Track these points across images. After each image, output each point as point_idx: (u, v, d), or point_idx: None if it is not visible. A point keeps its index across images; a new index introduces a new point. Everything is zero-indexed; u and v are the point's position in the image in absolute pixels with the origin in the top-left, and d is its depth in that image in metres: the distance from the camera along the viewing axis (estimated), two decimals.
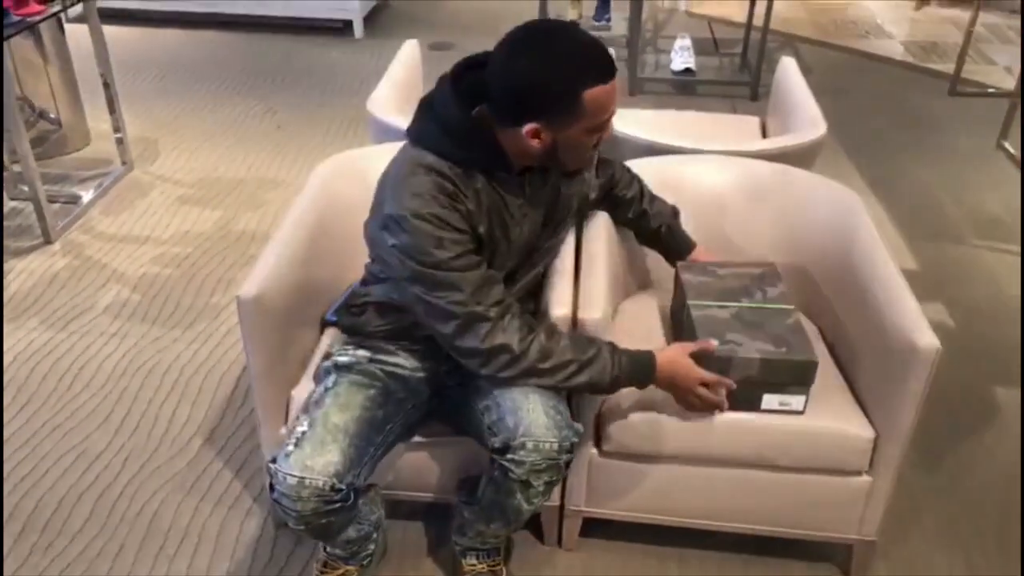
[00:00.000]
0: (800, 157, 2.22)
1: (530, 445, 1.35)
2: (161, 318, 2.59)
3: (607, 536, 1.85)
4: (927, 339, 1.47)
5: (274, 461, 1.38)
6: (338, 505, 1.37)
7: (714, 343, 1.51)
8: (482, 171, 1.36)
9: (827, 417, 1.62)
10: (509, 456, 1.37)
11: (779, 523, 1.72)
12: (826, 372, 1.73)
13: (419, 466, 1.73)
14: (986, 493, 2.01)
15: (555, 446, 1.36)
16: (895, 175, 3.54)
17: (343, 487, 1.36)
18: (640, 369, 1.44)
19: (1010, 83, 4.46)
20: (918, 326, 1.49)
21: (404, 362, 1.54)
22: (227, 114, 4.10)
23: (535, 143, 1.31)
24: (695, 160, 2.03)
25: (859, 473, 1.64)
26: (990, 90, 4.44)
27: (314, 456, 1.35)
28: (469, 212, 1.34)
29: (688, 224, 1.88)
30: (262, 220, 3.17)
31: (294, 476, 1.34)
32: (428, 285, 1.33)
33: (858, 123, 4.08)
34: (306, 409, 1.47)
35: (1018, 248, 3.08)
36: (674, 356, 1.47)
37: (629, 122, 2.18)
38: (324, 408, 1.44)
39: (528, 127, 1.30)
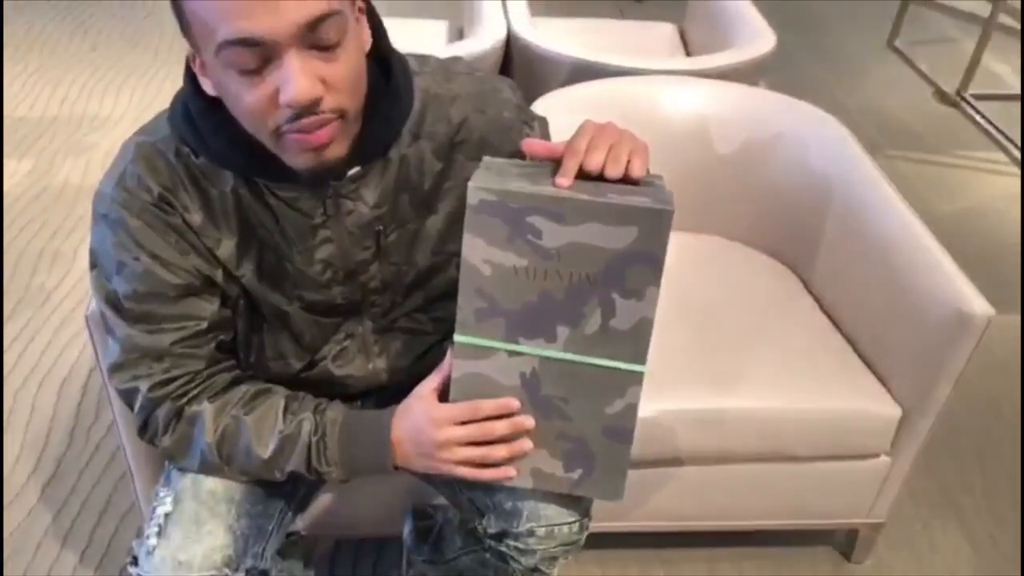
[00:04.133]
0: (749, 74, 1.92)
1: (542, 532, 0.98)
2: None
3: None
4: (978, 306, 1.22)
5: (135, 562, 0.95)
6: None
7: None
8: (240, 173, 0.89)
9: (845, 396, 1.36)
10: (510, 543, 1.00)
11: (779, 515, 1.48)
12: (830, 343, 1.47)
13: (349, 500, 1.35)
14: (972, 444, 1.86)
15: (575, 527, 1.00)
16: (798, 81, 3.33)
17: None
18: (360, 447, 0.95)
19: None
20: (963, 291, 1.24)
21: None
22: (21, 31, 3.33)
23: (207, 84, 0.82)
24: (647, 83, 1.68)
25: (876, 455, 1.41)
26: None
27: (188, 545, 0.92)
28: (194, 226, 0.89)
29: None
30: (88, 170, 2.56)
31: None
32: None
33: None
34: (167, 478, 1.00)
35: (936, 159, 2.96)
36: (407, 405, 0.93)
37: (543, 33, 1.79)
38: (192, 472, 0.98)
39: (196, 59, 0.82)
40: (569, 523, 0.99)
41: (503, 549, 1.01)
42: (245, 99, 0.77)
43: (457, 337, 0.86)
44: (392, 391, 1.10)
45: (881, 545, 1.58)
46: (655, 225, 0.79)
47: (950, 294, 1.25)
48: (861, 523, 1.51)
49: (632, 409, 0.88)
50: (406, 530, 1.35)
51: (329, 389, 1.03)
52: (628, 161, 0.83)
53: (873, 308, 1.43)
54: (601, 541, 1.50)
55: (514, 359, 0.86)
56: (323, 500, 1.33)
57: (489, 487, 1.00)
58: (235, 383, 0.95)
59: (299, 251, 0.93)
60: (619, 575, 1.53)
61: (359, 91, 0.82)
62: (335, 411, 0.94)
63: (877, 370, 1.41)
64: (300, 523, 1.35)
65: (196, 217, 0.89)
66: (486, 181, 0.81)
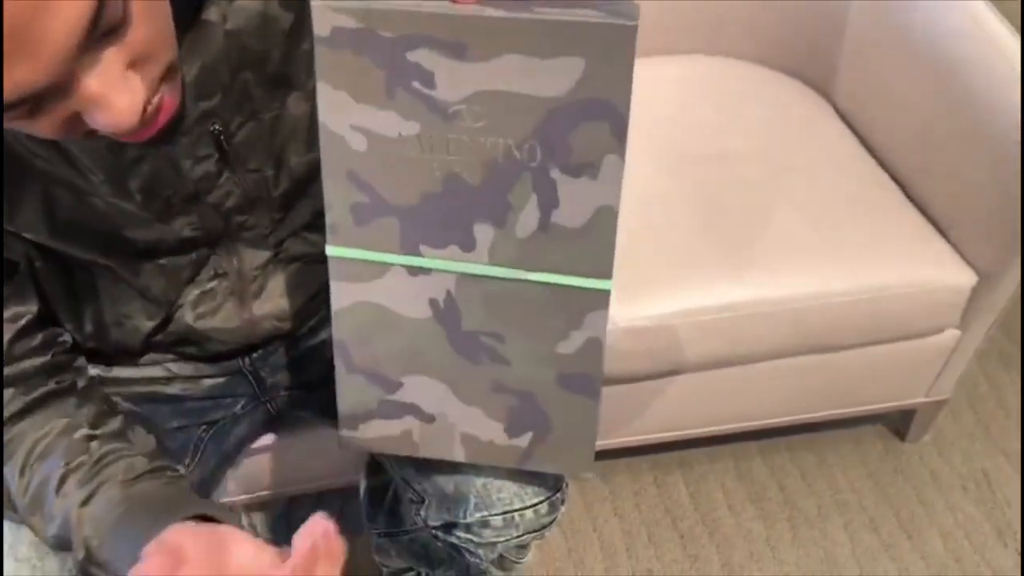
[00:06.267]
0: None
1: (498, 522, 0.72)
2: None
3: None
4: None
5: None
6: None
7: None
8: None
9: (903, 265, 1.05)
10: (461, 535, 0.75)
11: (824, 406, 1.20)
12: (875, 190, 1.13)
13: (289, 456, 1.09)
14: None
15: (543, 509, 0.74)
16: None
17: None
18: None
19: None
20: None
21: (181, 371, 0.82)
22: None
23: None
24: None
25: (942, 330, 1.11)
26: None
27: None
28: None
29: None
30: None
31: None
32: None
33: None
34: None
35: None
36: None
37: None
38: None
39: None
40: (533, 505, 0.73)
41: (454, 542, 0.77)
42: (31, 130, 0.49)
43: (330, 249, 0.58)
44: (286, 350, 0.82)
45: (941, 419, 1.31)
46: (611, 51, 0.49)
47: None
48: (922, 402, 1.23)
49: (595, 346, 0.59)
50: (361, 490, 1.10)
51: (195, 349, 0.77)
52: None
53: (929, 133, 1.07)
54: (600, 455, 1.24)
55: (418, 279, 0.58)
56: (258, 462, 1.07)
57: (422, 463, 0.74)
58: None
59: (102, 181, 0.61)
60: (629, 484, 1.28)
61: (169, 26, 0.51)
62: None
63: (940, 223, 1.08)
64: (233, 486, 1.11)
65: None
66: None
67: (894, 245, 1.06)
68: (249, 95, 0.61)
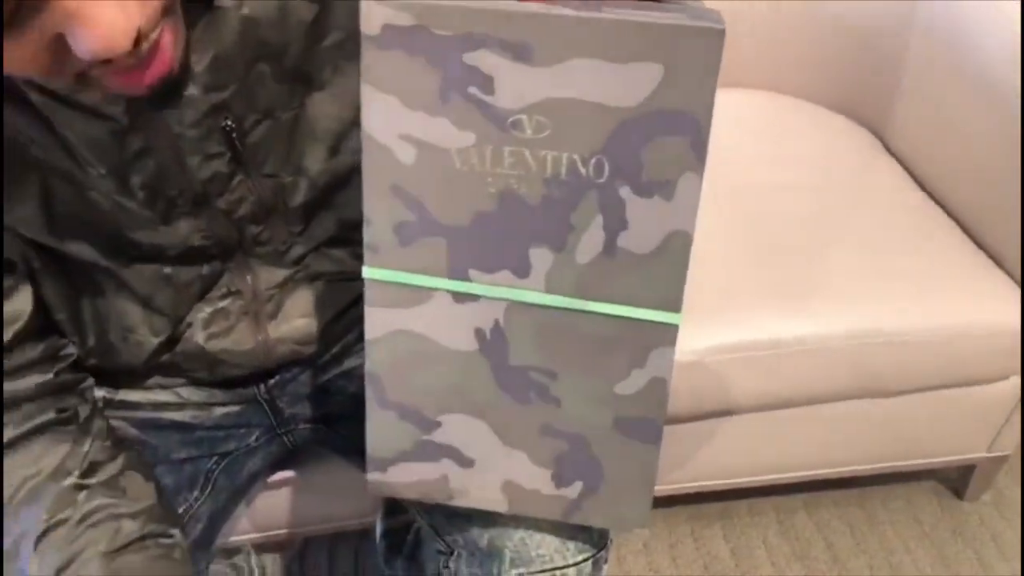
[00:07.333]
0: None
1: None
2: None
3: None
4: None
5: None
6: None
7: None
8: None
9: (962, 304, 0.98)
10: None
11: (877, 458, 1.13)
12: (931, 225, 1.07)
13: (305, 496, 1.03)
14: None
15: (587, 569, 0.66)
16: None
17: None
18: None
19: None
20: None
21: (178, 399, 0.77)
22: None
23: None
24: None
25: (1005, 377, 1.04)
26: None
27: None
28: None
29: None
30: None
31: None
32: None
33: None
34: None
35: None
36: None
37: None
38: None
39: None
40: (576, 564, 0.66)
41: None
42: (12, 59, 0.43)
43: (367, 271, 0.52)
44: (307, 378, 0.77)
45: (1002, 477, 1.23)
46: (695, 58, 0.43)
47: None
48: (981, 458, 1.15)
49: (659, 386, 0.53)
50: (378, 532, 1.03)
51: (207, 373, 0.71)
52: None
53: (990, 172, 1.02)
54: None
55: (465, 306, 0.52)
56: (272, 498, 1.01)
57: (454, 512, 0.66)
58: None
59: (102, 175, 0.56)
60: (665, 537, 1.20)
61: None
62: None
63: (1002, 261, 1.01)
64: (245, 523, 1.04)
65: None
66: None
67: (955, 283, 0.99)
68: (265, 90, 0.56)
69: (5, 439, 0.60)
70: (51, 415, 0.62)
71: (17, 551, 0.59)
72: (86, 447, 0.63)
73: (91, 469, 0.62)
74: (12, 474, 0.60)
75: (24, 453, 0.61)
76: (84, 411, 0.65)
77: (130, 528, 0.60)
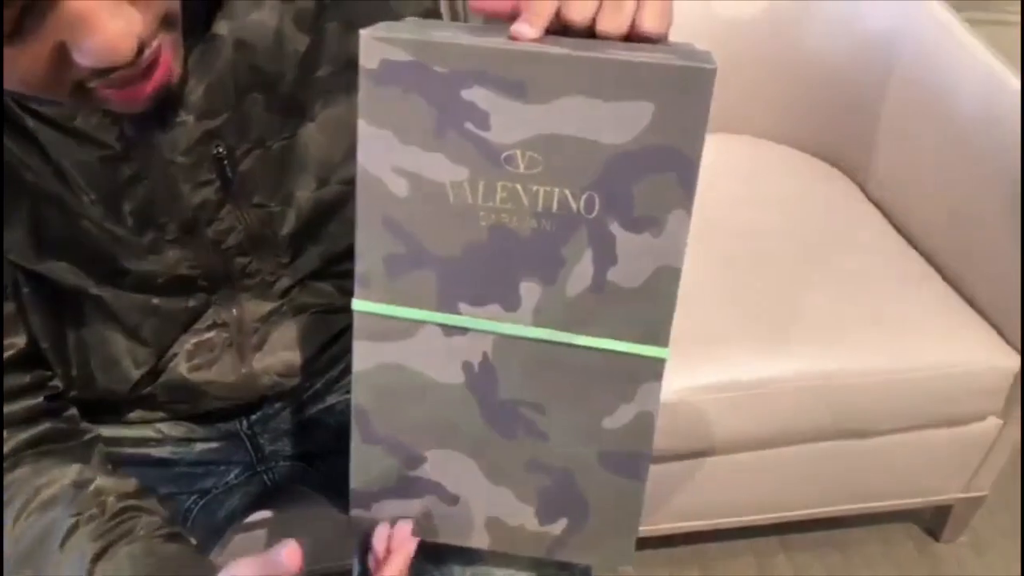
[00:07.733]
0: None
1: None
2: None
3: None
4: None
5: None
6: None
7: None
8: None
9: (942, 345, 1.00)
10: None
11: (854, 498, 1.13)
12: (910, 269, 1.09)
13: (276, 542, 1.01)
14: None
15: None
16: None
17: None
18: None
19: None
20: None
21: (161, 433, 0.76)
22: None
23: None
24: None
25: (983, 418, 1.05)
26: None
27: None
28: None
29: None
30: None
31: None
32: None
33: None
34: None
35: None
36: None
37: None
38: None
39: None
40: None
41: None
42: (11, 70, 0.44)
43: (357, 304, 0.52)
44: (289, 414, 0.76)
45: (979, 519, 1.23)
46: (686, 96, 0.45)
47: None
48: (957, 498, 1.16)
49: (646, 421, 0.54)
50: (355, 573, 1.01)
51: (188, 406, 0.70)
52: (636, 8, 0.47)
53: (967, 217, 1.04)
54: None
55: (453, 339, 0.52)
56: (248, 540, 0.99)
57: (434, 548, 0.65)
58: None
59: (94, 201, 0.56)
60: None
61: None
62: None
63: (979, 304, 1.03)
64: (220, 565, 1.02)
65: None
66: (391, 30, 0.47)
67: (933, 323, 1.01)
68: (257, 118, 0.57)
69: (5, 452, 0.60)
70: (47, 425, 0.62)
71: (39, 551, 0.58)
72: (96, 461, 0.63)
73: (111, 486, 0.62)
74: (23, 486, 0.60)
75: (32, 466, 0.60)
76: (81, 433, 0.65)
77: (165, 524, 0.60)
